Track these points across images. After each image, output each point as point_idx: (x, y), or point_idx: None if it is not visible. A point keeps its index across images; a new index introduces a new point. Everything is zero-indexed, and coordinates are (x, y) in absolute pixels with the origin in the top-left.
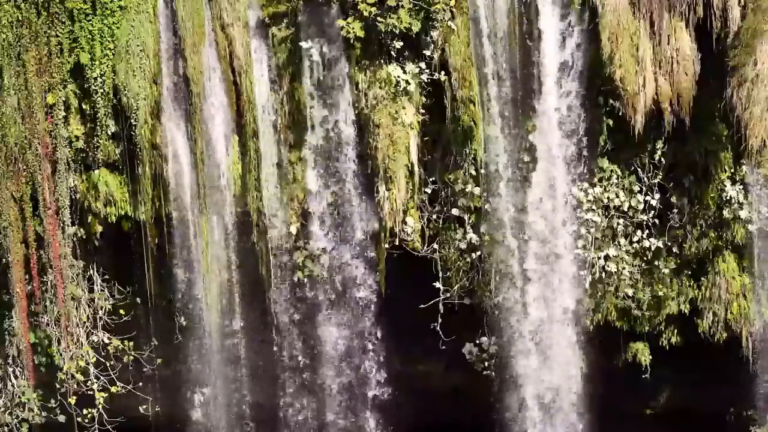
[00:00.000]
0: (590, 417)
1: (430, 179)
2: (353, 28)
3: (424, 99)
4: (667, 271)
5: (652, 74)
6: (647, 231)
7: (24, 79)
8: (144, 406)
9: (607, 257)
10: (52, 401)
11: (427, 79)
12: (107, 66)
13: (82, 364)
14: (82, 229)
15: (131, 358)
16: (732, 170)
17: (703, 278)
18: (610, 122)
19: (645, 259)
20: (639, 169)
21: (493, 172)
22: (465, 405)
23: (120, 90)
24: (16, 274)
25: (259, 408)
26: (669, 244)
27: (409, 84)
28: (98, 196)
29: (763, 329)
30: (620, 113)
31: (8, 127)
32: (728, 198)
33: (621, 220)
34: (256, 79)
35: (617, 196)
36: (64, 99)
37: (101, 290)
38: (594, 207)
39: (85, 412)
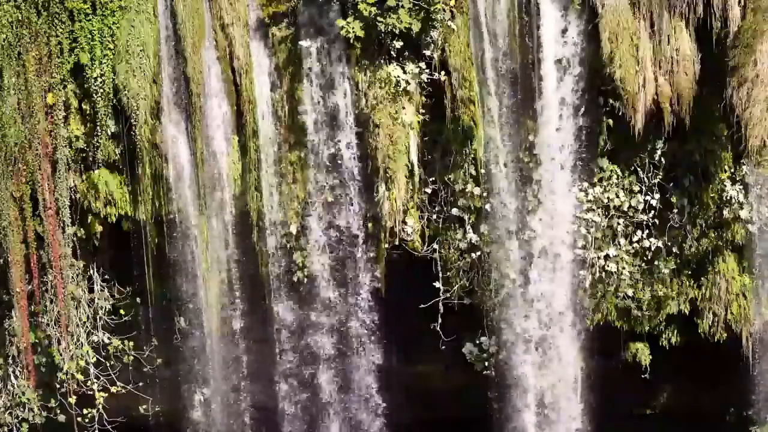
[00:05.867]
0: (590, 417)
1: (430, 179)
2: (353, 28)
3: (424, 99)
4: (667, 271)
5: (652, 74)
6: (647, 231)
7: (24, 79)
8: (144, 406)
9: (607, 257)
10: (52, 401)
11: (427, 79)
12: (107, 66)
13: (82, 364)
14: (82, 229)
15: (131, 358)
16: (732, 170)
17: (703, 278)
18: (610, 122)
19: (645, 259)
20: (639, 169)
21: (493, 172)
22: (465, 405)
23: (120, 90)
24: (16, 274)
25: (259, 408)
26: (669, 244)
27: (409, 84)
28: (98, 196)
29: (763, 329)
30: (620, 113)
31: (8, 127)
32: (728, 198)
33: (621, 220)
34: (256, 79)
35: (617, 196)
36: (64, 99)
37: (101, 290)
38: (594, 207)
39: (85, 412)
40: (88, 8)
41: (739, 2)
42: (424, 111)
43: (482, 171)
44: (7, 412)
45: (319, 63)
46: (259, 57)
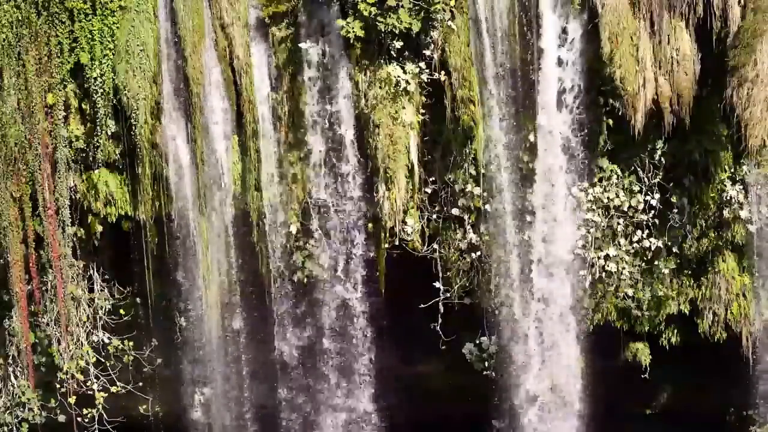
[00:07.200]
0: (590, 417)
1: (430, 179)
2: (353, 28)
3: (424, 99)
4: (667, 271)
5: (652, 74)
6: (647, 231)
7: (24, 79)
8: (144, 406)
9: (607, 257)
10: (52, 401)
11: (427, 79)
12: (107, 66)
13: (82, 364)
14: (82, 229)
15: (131, 358)
16: (732, 170)
17: (703, 278)
18: (610, 122)
19: (645, 259)
20: (639, 169)
21: (493, 172)
22: (465, 405)
23: (120, 90)
24: (16, 274)
25: (259, 407)
26: (669, 244)
27: (409, 84)
28: (98, 196)
29: (763, 329)
30: (620, 113)
31: (8, 127)
32: (728, 198)
33: (621, 220)
34: (256, 79)
35: (617, 196)
36: (64, 99)
37: (101, 290)
38: (594, 207)
39: (85, 412)
40: (88, 8)
41: (739, 2)
42: (424, 111)
43: (482, 171)
44: (7, 412)
45: (318, 63)
46: (259, 57)
